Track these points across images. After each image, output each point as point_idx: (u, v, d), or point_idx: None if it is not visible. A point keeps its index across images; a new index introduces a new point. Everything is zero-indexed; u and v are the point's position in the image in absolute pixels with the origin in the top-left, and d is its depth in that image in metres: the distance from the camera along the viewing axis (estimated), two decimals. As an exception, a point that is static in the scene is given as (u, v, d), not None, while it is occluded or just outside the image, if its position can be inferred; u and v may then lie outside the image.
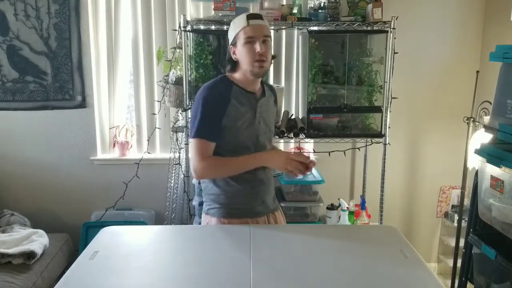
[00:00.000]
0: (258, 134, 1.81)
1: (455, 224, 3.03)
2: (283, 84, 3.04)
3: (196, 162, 1.71)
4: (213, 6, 2.58)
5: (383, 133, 2.71)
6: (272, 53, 1.79)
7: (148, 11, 2.96)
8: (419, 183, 3.25)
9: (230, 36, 1.76)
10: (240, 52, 1.72)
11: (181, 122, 2.78)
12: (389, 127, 2.70)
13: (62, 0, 2.87)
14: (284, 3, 2.86)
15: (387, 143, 2.73)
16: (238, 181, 1.80)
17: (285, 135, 2.69)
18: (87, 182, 3.11)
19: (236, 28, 1.72)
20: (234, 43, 1.74)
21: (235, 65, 1.77)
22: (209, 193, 1.86)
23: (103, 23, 2.99)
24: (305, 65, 2.72)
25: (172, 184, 2.92)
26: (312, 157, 2.95)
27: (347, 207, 2.83)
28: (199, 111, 1.69)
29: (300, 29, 2.76)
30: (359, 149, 3.08)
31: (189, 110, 1.82)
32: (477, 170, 2.07)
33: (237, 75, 1.78)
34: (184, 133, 2.73)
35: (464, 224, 2.81)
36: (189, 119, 1.81)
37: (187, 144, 2.73)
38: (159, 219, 3.11)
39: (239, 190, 1.81)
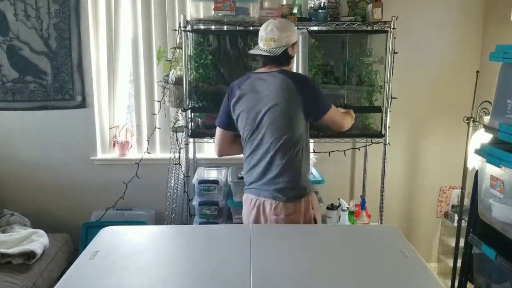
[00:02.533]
0: None
1: (455, 224, 3.02)
2: (283, 84, 3.03)
3: (345, 120, 2.22)
4: (213, 6, 2.58)
5: (383, 133, 2.71)
6: None
7: (148, 11, 2.96)
8: (419, 183, 3.25)
9: (295, 37, 2.11)
10: (295, 52, 2.13)
11: (181, 122, 2.78)
12: (389, 127, 2.70)
13: (62, 0, 2.87)
14: (284, 3, 2.86)
15: (387, 143, 2.74)
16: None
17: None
18: (87, 182, 3.11)
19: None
20: (294, 43, 2.09)
21: (290, 61, 2.12)
22: (307, 173, 2.10)
23: (103, 23, 2.99)
24: (305, 65, 2.72)
25: (172, 184, 2.92)
26: (312, 157, 2.95)
27: (347, 207, 2.83)
28: (319, 89, 2.13)
29: (300, 29, 2.75)
30: (359, 149, 3.08)
31: (308, 91, 2.03)
32: (477, 170, 2.07)
33: (288, 69, 2.13)
34: (184, 133, 2.73)
35: (464, 224, 2.81)
36: (313, 98, 2.04)
37: (187, 144, 2.73)
38: (159, 219, 3.11)
39: None
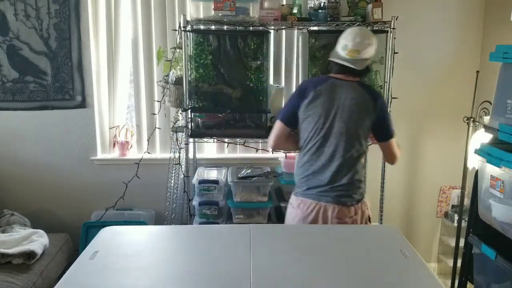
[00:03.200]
0: None
1: (455, 224, 3.03)
2: (283, 84, 3.04)
3: (399, 154, 2.24)
4: (213, 6, 2.58)
5: (383, 133, 2.70)
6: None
7: (148, 11, 2.96)
8: (419, 183, 3.25)
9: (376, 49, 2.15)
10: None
11: (181, 122, 2.78)
12: (389, 127, 2.70)
13: (62, 0, 2.87)
14: (284, 3, 2.86)
15: (387, 143, 2.73)
16: None
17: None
18: (87, 182, 3.11)
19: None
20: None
21: (367, 73, 2.24)
22: (360, 183, 2.12)
23: (103, 23, 2.99)
24: (305, 65, 2.72)
25: (172, 184, 2.92)
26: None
27: (347, 207, 2.83)
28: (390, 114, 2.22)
29: (300, 29, 2.76)
30: (359, 149, 3.07)
31: (383, 112, 2.13)
32: (477, 170, 2.07)
33: (364, 81, 2.23)
34: (184, 133, 2.73)
35: (464, 224, 2.81)
36: (385, 120, 2.13)
37: (187, 144, 2.73)
38: (159, 219, 3.11)
39: None
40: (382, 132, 2.15)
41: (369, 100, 2.06)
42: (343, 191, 2.07)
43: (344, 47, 2.06)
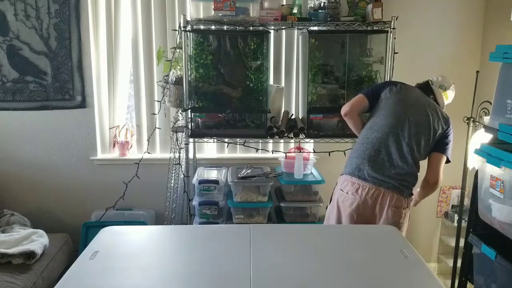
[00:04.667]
0: None
1: (455, 224, 3.02)
2: (283, 84, 3.04)
3: (441, 174, 2.27)
4: (213, 6, 2.58)
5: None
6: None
7: (148, 11, 2.96)
8: (419, 183, 3.24)
9: None
10: None
11: (181, 122, 2.78)
12: (389, 127, 2.70)
13: (62, 0, 2.87)
14: (284, 3, 2.86)
15: (387, 143, 2.73)
16: None
17: (285, 135, 2.69)
18: (87, 182, 3.11)
19: None
20: None
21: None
22: (416, 179, 2.21)
23: (103, 23, 2.99)
24: (305, 65, 2.72)
25: (172, 184, 2.92)
26: (312, 157, 2.95)
27: (347, 207, 2.83)
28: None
29: (300, 29, 2.76)
30: (359, 149, 3.07)
31: (450, 132, 2.29)
32: (477, 170, 2.07)
33: None
34: (184, 133, 2.73)
35: (464, 224, 2.81)
36: (449, 138, 2.28)
37: (187, 144, 2.73)
38: (159, 219, 3.11)
39: None
40: (443, 145, 2.23)
41: (444, 116, 2.25)
42: (404, 180, 2.14)
43: (443, 86, 2.34)
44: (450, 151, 2.24)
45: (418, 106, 2.21)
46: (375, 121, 2.22)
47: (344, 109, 2.31)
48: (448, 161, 2.24)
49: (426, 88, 2.34)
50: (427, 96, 2.30)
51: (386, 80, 2.68)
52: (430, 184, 2.24)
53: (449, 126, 2.24)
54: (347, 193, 2.16)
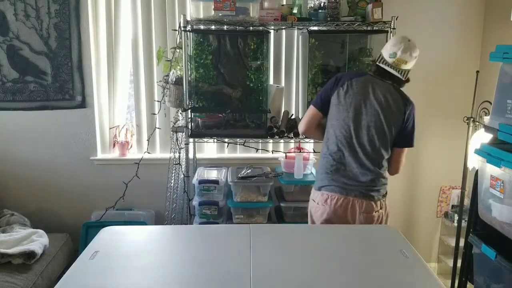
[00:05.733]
0: None
1: (455, 224, 3.02)
2: (283, 84, 3.04)
3: (402, 166, 2.26)
4: (213, 6, 2.58)
5: (383, 133, 2.70)
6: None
7: (148, 11, 2.96)
8: (419, 183, 3.25)
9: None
10: None
11: (181, 122, 2.78)
12: (389, 127, 2.70)
13: (62, 0, 2.87)
14: (284, 3, 2.86)
15: (387, 143, 2.73)
16: None
17: (285, 135, 2.69)
18: (87, 182, 3.11)
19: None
20: None
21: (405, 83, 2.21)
22: (385, 179, 2.17)
23: (103, 23, 2.99)
24: (305, 65, 2.72)
25: (172, 184, 2.92)
26: (312, 157, 2.95)
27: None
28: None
29: (300, 29, 2.76)
30: (359, 149, 3.07)
31: (411, 120, 2.17)
32: (477, 170, 2.07)
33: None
34: (184, 133, 2.73)
35: (464, 224, 2.81)
36: (410, 129, 2.17)
37: (187, 144, 2.73)
38: (159, 219, 3.11)
39: None
40: (402, 138, 2.17)
41: (401, 103, 2.12)
42: (370, 186, 2.11)
43: (392, 54, 2.10)
44: (411, 140, 2.18)
45: (368, 107, 2.10)
46: (330, 133, 2.17)
47: (300, 128, 2.29)
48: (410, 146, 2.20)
49: (379, 71, 2.14)
50: (381, 82, 2.13)
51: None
52: (391, 175, 2.25)
53: (410, 113, 2.12)
54: (317, 204, 2.17)
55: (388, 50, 2.12)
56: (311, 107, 2.24)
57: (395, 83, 2.15)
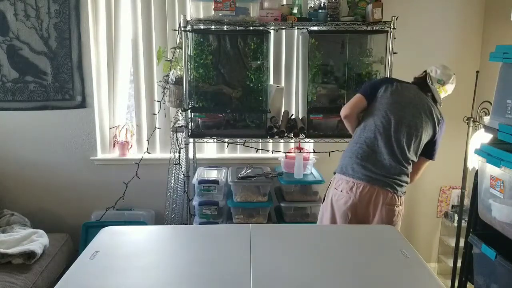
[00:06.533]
0: None
1: (455, 224, 3.02)
2: (283, 84, 3.04)
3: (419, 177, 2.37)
4: (213, 6, 2.58)
5: (383, 133, 2.71)
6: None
7: (148, 11, 2.96)
8: (419, 183, 3.23)
9: None
10: None
11: (181, 122, 2.78)
12: (389, 127, 2.70)
13: (62, 0, 2.87)
14: (284, 3, 2.86)
15: (387, 143, 2.73)
16: None
17: (285, 135, 2.69)
18: (87, 182, 3.11)
19: None
20: None
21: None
22: (408, 178, 2.22)
23: (103, 23, 2.99)
24: (305, 65, 2.72)
25: (172, 184, 2.92)
26: (312, 157, 2.95)
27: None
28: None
29: (300, 29, 2.76)
30: (359, 149, 3.07)
31: (441, 134, 2.32)
32: (477, 170, 2.07)
33: None
34: (184, 133, 2.73)
35: (464, 224, 2.81)
36: (438, 142, 2.31)
37: (187, 144, 2.73)
38: (159, 219, 3.11)
39: None
40: (428, 149, 2.26)
41: (438, 117, 2.24)
42: (396, 179, 2.16)
43: (441, 81, 2.28)
44: (435, 154, 2.29)
45: (412, 108, 2.20)
46: (369, 121, 2.22)
47: (344, 112, 2.30)
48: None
49: (423, 85, 2.31)
50: (423, 94, 2.27)
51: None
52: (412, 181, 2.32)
53: (440, 129, 2.26)
54: (341, 191, 2.18)
55: (438, 75, 2.28)
56: (358, 95, 2.28)
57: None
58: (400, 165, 2.16)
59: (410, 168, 2.21)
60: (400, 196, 2.18)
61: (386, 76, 2.68)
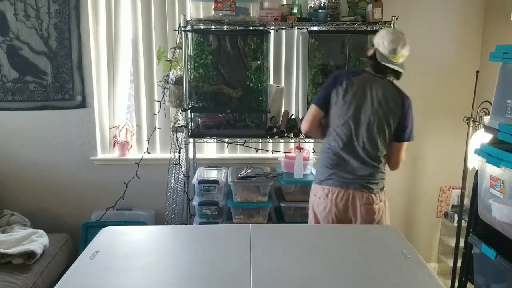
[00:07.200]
0: None
1: (455, 224, 3.02)
2: (283, 84, 3.04)
3: (403, 159, 2.29)
4: (213, 6, 2.58)
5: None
6: None
7: (148, 11, 2.96)
8: (419, 183, 3.25)
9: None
10: None
11: (181, 122, 2.78)
12: (389, 127, 2.70)
13: (62, 0, 2.87)
14: (284, 3, 2.86)
15: (387, 143, 2.73)
16: None
17: (285, 135, 2.69)
18: (87, 182, 3.11)
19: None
20: None
21: None
22: (383, 173, 2.22)
23: (103, 23, 2.99)
24: (305, 65, 2.72)
25: (172, 184, 2.92)
26: (312, 157, 2.95)
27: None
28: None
29: (300, 29, 2.76)
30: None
31: (409, 113, 2.21)
32: (477, 170, 2.07)
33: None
34: (184, 133, 2.73)
35: (464, 224, 2.81)
36: (409, 121, 2.21)
37: (187, 144, 2.73)
38: (159, 219, 3.11)
39: None
40: (401, 133, 2.21)
41: (398, 99, 2.17)
42: (369, 179, 2.17)
43: (392, 51, 2.12)
44: (410, 134, 2.21)
45: (368, 105, 2.14)
46: (330, 130, 2.22)
47: (303, 128, 2.28)
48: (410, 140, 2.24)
49: (376, 65, 2.17)
50: (379, 79, 2.17)
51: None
52: (391, 170, 2.30)
53: (406, 108, 2.16)
54: (319, 198, 2.22)
55: (386, 47, 2.12)
56: (312, 106, 2.25)
57: (393, 77, 2.21)
58: (369, 166, 2.16)
59: (383, 162, 2.20)
60: (377, 194, 2.18)
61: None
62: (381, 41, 2.15)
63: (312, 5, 2.71)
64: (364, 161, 2.16)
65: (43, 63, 2.95)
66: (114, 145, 3.16)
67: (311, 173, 2.88)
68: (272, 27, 2.68)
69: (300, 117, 2.96)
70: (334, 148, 2.19)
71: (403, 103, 2.17)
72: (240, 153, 3.17)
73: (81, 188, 3.11)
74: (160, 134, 3.10)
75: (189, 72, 2.62)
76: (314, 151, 3.01)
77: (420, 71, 3.07)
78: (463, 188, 2.81)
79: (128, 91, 3.15)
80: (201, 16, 2.69)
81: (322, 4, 2.66)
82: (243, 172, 2.83)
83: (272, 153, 3.08)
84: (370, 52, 2.21)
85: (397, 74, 2.21)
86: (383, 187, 2.23)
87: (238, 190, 2.74)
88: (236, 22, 2.58)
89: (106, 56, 3.03)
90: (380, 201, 2.20)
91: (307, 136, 2.36)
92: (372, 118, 2.14)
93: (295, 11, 2.68)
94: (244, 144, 2.82)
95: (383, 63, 2.14)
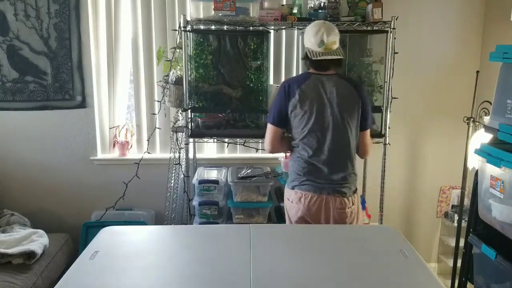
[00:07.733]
0: None
1: (455, 224, 3.03)
2: (283, 84, 3.04)
3: (371, 146, 2.31)
4: (213, 6, 2.58)
5: (383, 133, 2.71)
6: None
7: (148, 11, 2.96)
8: (419, 183, 3.25)
9: None
10: None
11: (181, 122, 2.78)
12: (389, 127, 2.70)
13: (62, 0, 2.87)
14: (284, 3, 2.86)
15: (387, 143, 2.73)
16: None
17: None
18: (87, 182, 3.11)
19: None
20: None
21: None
22: (355, 175, 2.21)
23: (103, 23, 2.99)
24: (305, 65, 2.71)
25: (172, 184, 2.92)
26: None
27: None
28: None
29: (300, 29, 2.76)
30: (359, 149, 3.08)
31: (365, 97, 2.21)
32: (477, 170, 2.07)
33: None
34: (184, 133, 2.73)
35: (464, 224, 2.81)
36: (367, 106, 2.20)
37: (187, 144, 2.73)
38: (159, 219, 3.11)
39: None
40: (363, 121, 2.20)
41: (352, 89, 2.15)
42: (342, 183, 2.14)
43: (320, 43, 2.09)
44: (371, 121, 2.25)
45: (327, 108, 2.10)
46: (297, 141, 2.17)
47: (266, 149, 2.23)
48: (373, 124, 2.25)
49: (317, 64, 2.13)
50: (327, 77, 2.13)
51: (384, 80, 2.67)
52: (361, 158, 2.33)
53: (364, 97, 2.16)
54: (292, 202, 2.19)
55: (313, 43, 2.10)
56: (270, 126, 2.18)
57: (335, 66, 2.17)
58: (341, 171, 2.14)
59: (353, 165, 2.18)
60: (350, 197, 2.16)
61: (387, 77, 2.66)
62: (307, 39, 2.14)
63: (312, 5, 2.71)
64: (335, 167, 2.13)
65: (43, 63, 2.95)
66: (114, 145, 3.16)
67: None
68: (272, 27, 2.68)
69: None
70: (303, 156, 2.15)
71: (359, 92, 2.15)
72: (240, 153, 3.17)
73: (81, 188, 3.11)
74: (160, 134, 3.10)
75: (189, 72, 2.62)
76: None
77: (420, 71, 3.07)
78: (463, 188, 2.81)
79: (128, 91, 3.15)
80: (201, 16, 2.69)
81: (322, 4, 2.66)
82: (243, 172, 2.83)
83: (272, 153, 3.07)
84: (304, 54, 2.18)
85: (338, 62, 2.16)
86: (356, 189, 2.21)
87: (238, 190, 2.74)
88: (236, 22, 2.58)
89: (106, 56, 3.03)
90: (353, 204, 2.18)
91: (272, 153, 2.29)
92: (335, 119, 2.11)
93: (295, 11, 2.68)
94: (244, 144, 2.82)
95: (320, 58, 2.10)
